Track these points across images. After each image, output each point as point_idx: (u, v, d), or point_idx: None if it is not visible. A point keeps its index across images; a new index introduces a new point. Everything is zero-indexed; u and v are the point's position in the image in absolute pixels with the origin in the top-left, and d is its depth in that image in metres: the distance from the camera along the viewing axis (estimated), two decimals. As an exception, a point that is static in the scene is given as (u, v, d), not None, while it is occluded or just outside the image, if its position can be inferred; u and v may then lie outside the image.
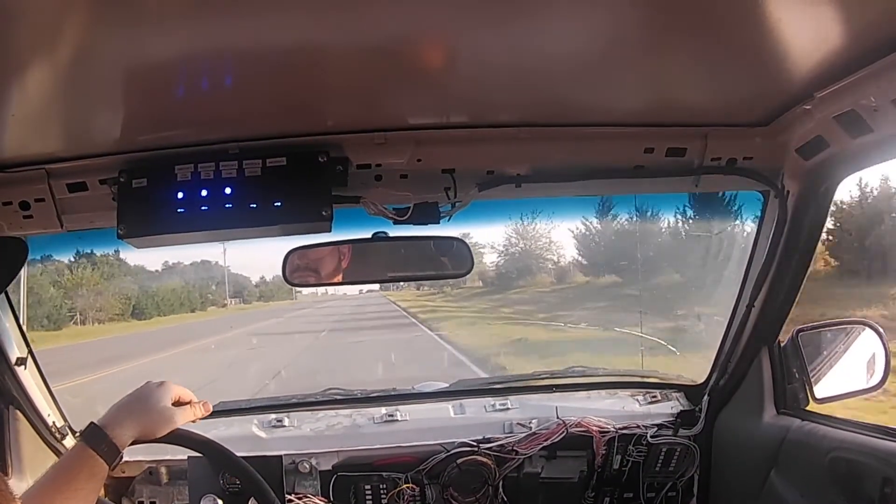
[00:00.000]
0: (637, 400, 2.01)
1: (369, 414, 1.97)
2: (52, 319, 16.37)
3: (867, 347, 1.75)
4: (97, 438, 1.22)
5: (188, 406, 1.34)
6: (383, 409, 1.97)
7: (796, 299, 1.71)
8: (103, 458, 1.21)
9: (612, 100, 1.37)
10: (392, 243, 1.58)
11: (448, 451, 1.87)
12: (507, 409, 1.96)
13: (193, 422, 1.36)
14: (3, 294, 1.65)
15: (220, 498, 1.64)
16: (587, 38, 1.09)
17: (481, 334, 14.19)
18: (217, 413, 1.94)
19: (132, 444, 1.28)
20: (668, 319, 11.10)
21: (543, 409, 1.95)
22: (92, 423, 1.25)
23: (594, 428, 1.90)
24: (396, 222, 1.51)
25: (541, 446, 1.88)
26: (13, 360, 1.67)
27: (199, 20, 0.95)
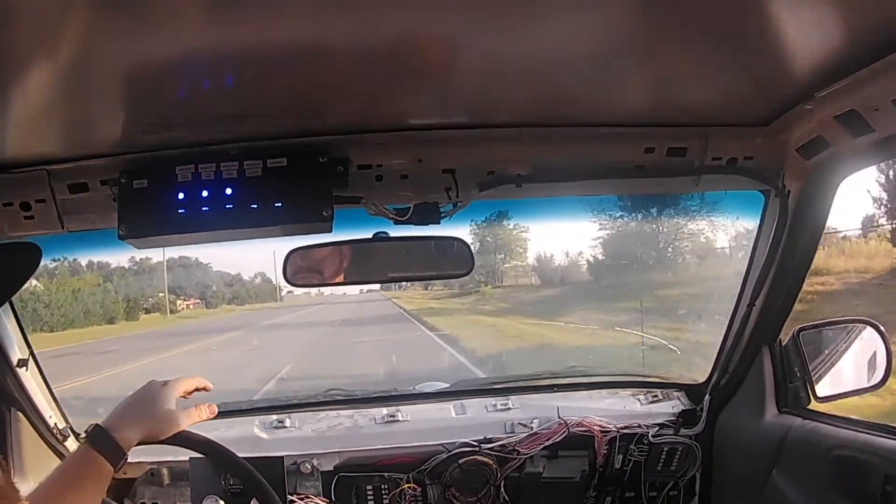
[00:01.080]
0: (638, 399, 2.01)
1: (370, 414, 1.97)
2: None
3: (868, 346, 1.75)
4: (102, 441, 1.21)
5: (193, 408, 1.34)
6: (384, 410, 1.97)
7: (797, 298, 1.71)
8: (108, 460, 1.20)
9: (613, 100, 1.37)
10: (393, 243, 1.58)
11: (449, 452, 1.87)
12: (509, 409, 1.96)
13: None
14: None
15: (221, 499, 1.64)
16: (588, 39, 1.09)
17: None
18: (218, 414, 1.93)
19: (136, 445, 1.28)
20: None
21: (545, 408, 1.95)
22: (96, 424, 1.25)
23: (595, 427, 1.90)
24: (397, 222, 1.51)
25: (542, 446, 1.88)
26: (14, 362, 1.67)
27: (199, 21, 0.95)
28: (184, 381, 1.36)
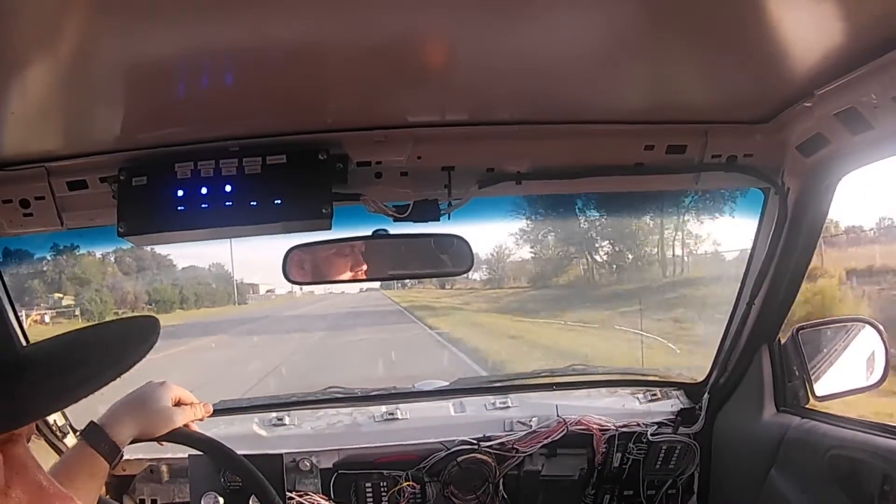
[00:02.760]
0: (637, 398, 2.01)
1: (370, 412, 1.97)
2: None
3: (867, 345, 1.75)
4: (97, 437, 1.22)
5: (188, 406, 1.35)
6: (383, 408, 1.97)
7: (796, 297, 1.71)
8: (104, 456, 1.21)
9: (612, 97, 1.37)
10: (392, 241, 1.58)
11: (448, 449, 1.87)
12: (508, 407, 1.96)
13: (200, 420, 1.36)
14: (3, 293, 1.65)
15: (221, 496, 1.64)
16: (587, 36, 1.09)
17: None
18: (218, 412, 1.93)
19: (132, 442, 1.28)
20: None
21: (544, 407, 1.95)
22: (92, 421, 1.25)
23: (594, 426, 1.90)
24: (396, 220, 1.51)
25: (541, 444, 1.88)
26: None
27: (199, 18, 0.95)
28: (181, 389, 1.36)
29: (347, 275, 1.64)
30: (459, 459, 1.86)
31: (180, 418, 1.32)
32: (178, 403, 1.34)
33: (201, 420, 1.37)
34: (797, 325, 1.79)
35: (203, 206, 1.40)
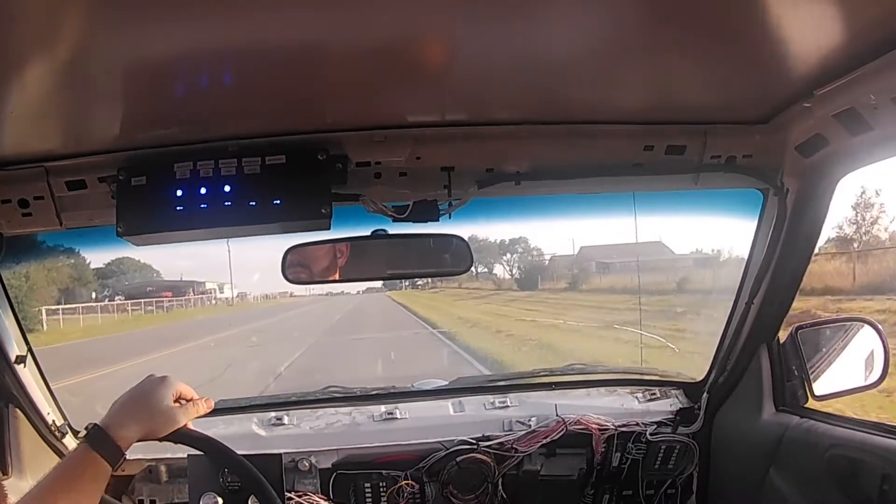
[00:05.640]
0: (636, 397, 2.01)
1: (369, 412, 1.97)
2: None
3: (866, 344, 1.76)
4: (100, 440, 1.21)
5: (190, 404, 1.34)
6: (383, 407, 1.97)
7: (795, 297, 1.71)
8: (107, 459, 1.20)
9: (612, 97, 1.37)
10: (391, 241, 1.58)
11: (447, 449, 1.87)
12: (507, 406, 1.96)
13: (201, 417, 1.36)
14: (2, 292, 1.65)
15: (220, 496, 1.64)
16: (587, 36, 1.09)
17: None
18: (217, 411, 1.92)
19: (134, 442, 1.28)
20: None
21: (543, 406, 1.95)
22: (94, 424, 1.25)
23: (593, 425, 1.90)
24: (395, 220, 1.51)
25: (540, 444, 1.88)
26: (13, 359, 1.67)
27: (198, 17, 0.95)
28: (182, 384, 1.35)
29: (346, 274, 1.64)
30: (458, 459, 1.86)
31: (184, 417, 1.32)
32: (178, 399, 1.34)
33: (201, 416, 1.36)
34: (796, 324, 1.79)
35: (202, 206, 1.40)
